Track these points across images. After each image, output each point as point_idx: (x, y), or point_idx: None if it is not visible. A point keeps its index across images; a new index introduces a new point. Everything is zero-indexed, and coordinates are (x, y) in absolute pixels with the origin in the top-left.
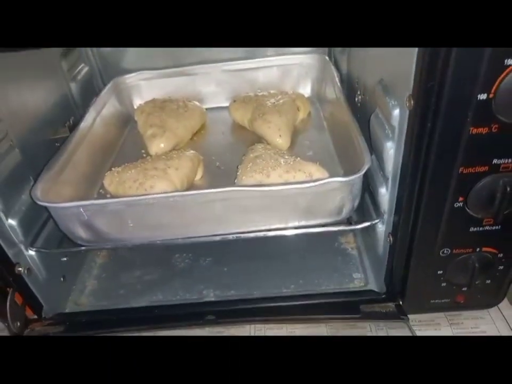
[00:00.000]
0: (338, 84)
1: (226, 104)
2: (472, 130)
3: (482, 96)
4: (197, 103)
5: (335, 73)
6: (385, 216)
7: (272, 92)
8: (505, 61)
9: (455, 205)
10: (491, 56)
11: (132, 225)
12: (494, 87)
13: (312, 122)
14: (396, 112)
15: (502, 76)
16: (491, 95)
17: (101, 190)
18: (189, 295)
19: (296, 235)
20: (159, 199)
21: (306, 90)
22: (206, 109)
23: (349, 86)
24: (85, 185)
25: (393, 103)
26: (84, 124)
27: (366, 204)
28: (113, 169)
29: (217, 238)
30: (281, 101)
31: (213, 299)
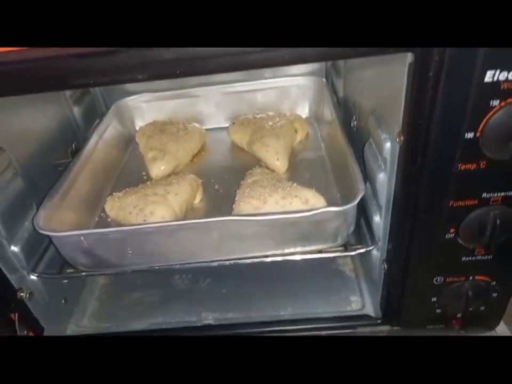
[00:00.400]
0: (333, 107)
1: (225, 124)
2: (460, 166)
3: (470, 135)
4: (196, 124)
5: (330, 96)
6: (380, 243)
7: (270, 114)
8: (491, 102)
9: (446, 236)
10: (477, 97)
11: (131, 252)
12: (481, 126)
13: (310, 143)
14: (388, 145)
15: (488, 116)
16: (478, 134)
17: (102, 214)
18: (188, 317)
19: (294, 260)
20: (157, 227)
21: (304, 111)
22: (206, 129)
23: (346, 109)
24: (87, 209)
25: (385, 136)
26: (87, 149)
27: (362, 228)
28: (114, 194)
29: (214, 264)
30: (279, 124)
31: (211, 322)
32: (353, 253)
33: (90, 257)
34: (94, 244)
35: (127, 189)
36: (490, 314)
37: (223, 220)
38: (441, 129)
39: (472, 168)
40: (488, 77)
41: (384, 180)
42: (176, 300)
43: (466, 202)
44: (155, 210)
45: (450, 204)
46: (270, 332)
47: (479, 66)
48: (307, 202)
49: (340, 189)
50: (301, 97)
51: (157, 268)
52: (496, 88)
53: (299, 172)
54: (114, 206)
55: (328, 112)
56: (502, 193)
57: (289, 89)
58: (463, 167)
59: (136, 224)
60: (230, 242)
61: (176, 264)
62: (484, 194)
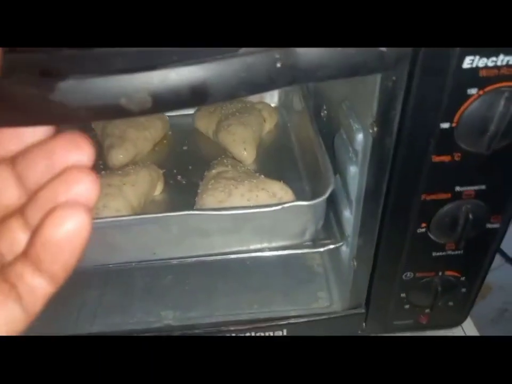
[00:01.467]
0: (302, 96)
1: (190, 111)
2: (434, 158)
3: (445, 125)
4: None
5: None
6: (350, 239)
7: (238, 102)
8: (468, 90)
9: (417, 231)
10: (454, 85)
11: None
12: (457, 116)
13: (279, 133)
14: (360, 136)
15: (465, 105)
16: (454, 124)
17: None
18: (147, 317)
19: (259, 257)
20: (109, 222)
21: (273, 99)
22: (169, 116)
23: (316, 99)
24: None
25: (357, 126)
26: None
27: (331, 222)
28: None
29: (174, 262)
30: (246, 113)
31: (171, 322)
32: (322, 249)
33: None
34: None
35: None
36: (458, 310)
37: (182, 215)
38: (416, 119)
39: (446, 161)
40: (467, 63)
41: (356, 173)
42: (135, 298)
43: (439, 195)
44: (109, 203)
45: (423, 197)
46: (234, 331)
47: (457, 51)
48: (274, 195)
49: (309, 181)
50: None
51: (110, 266)
52: (474, 75)
53: (267, 163)
54: None
55: (298, 101)
56: (476, 187)
57: None
58: (437, 159)
59: None
60: (191, 238)
61: (132, 263)
62: (457, 188)
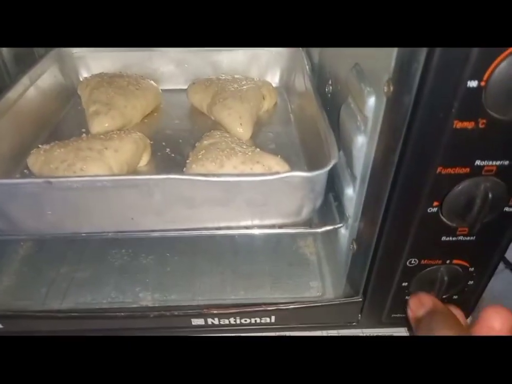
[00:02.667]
0: (309, 73)
1: (185, 86)
2: (456, 124)
3: (473, 84)
4: (152, 82)
5: (306, 62)
6: (350, 220)
7: (236, 76)
8: None
9: (428, 210)
10: None
11: (50, 213)
12: (487, 74)
13: (278, 114)
14: (371, 100)
15: (498, 60)
16: (482, 83)
17: (25, 170)
18: (123, 297)
19: (250, 235)
20: (84, 182)
21: (274, 79)
22: (162, 90)
23: (320, 77)
24: (7, 164)
25: (368, 89)
26: (13, 93)
27: (329, 206)
28: (40, 146)
29: (156, 234)
30: (245, 87)
31: (149, 303)
32: (319, 230)
33: (1, 216)
34: (4, 199)
35: (56, 141)
36: (462, 305)
37: (165, 178)
38: (440, 73)
39: (469, 127)
40: None
41: (363, 143)
42: (111, 277)
43: (456, 169)
44: (87, 167)
45: (438, 170)
46: (216, 315)
47: None
48: (270, 170)
49: (308, 163)
50: (272, 63)
51: (84, 235)
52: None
53: (264, 142)
54: (38, 160)
55: (301, 81)
56: (498, 162)
57: (260, 54)
58: (459, 125)
59: (55, 177)
60: (175, 208)
61: (108, 233)
62: (477, 162)
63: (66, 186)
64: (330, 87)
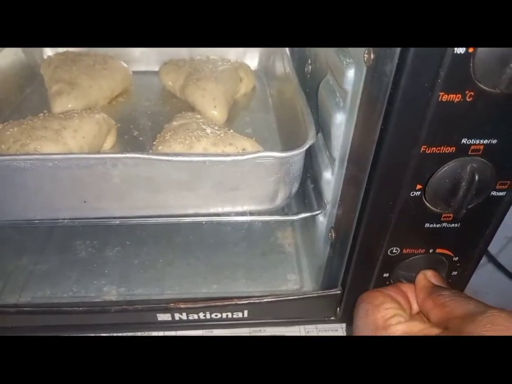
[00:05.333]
0: (288, 54)
1: (157, 68)
2: (442, 96)
3: (460, 50)
4: (122, 62)
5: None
6: (329, 207)
7: (212, 57)
8: None
9: (411, 194)
10: None
11: None
12: None
13: (256, 98)
14: (351, 72)
15: None
16: (471, 49)
17: None
18: (85, 291)
19: (223, 224)
20: (34, 162)
21: (253, 63)
22: (134, 72)
23: (300, 59)
24: None
25: (347, 61)
26: None
27: (307, 192)
28: None
29: (116, 222)
30: (220, 68)
31: (113, 298)
32: (294, 218)
33: None
34: None
35: (11, 120)
36: None
37: (122, 157)
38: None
39: (455, 100)
40: None
41: (342, 121)
42: (73, 269)
43: (441, 148)
44: (42, 147)
45: (422, 150)
46: (184, 309)
47: None
48: None
49: (285, 147)
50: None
51: (36, 221)
52: None
53: (239, 126)
54: None
55: (280, 64)
56: (485, 141)
57: None
58: (445, 97)
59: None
60: (137, 192)
61: (63, 219)
62: (464, 140)
63: (13, 167)
64: (310, 67)
